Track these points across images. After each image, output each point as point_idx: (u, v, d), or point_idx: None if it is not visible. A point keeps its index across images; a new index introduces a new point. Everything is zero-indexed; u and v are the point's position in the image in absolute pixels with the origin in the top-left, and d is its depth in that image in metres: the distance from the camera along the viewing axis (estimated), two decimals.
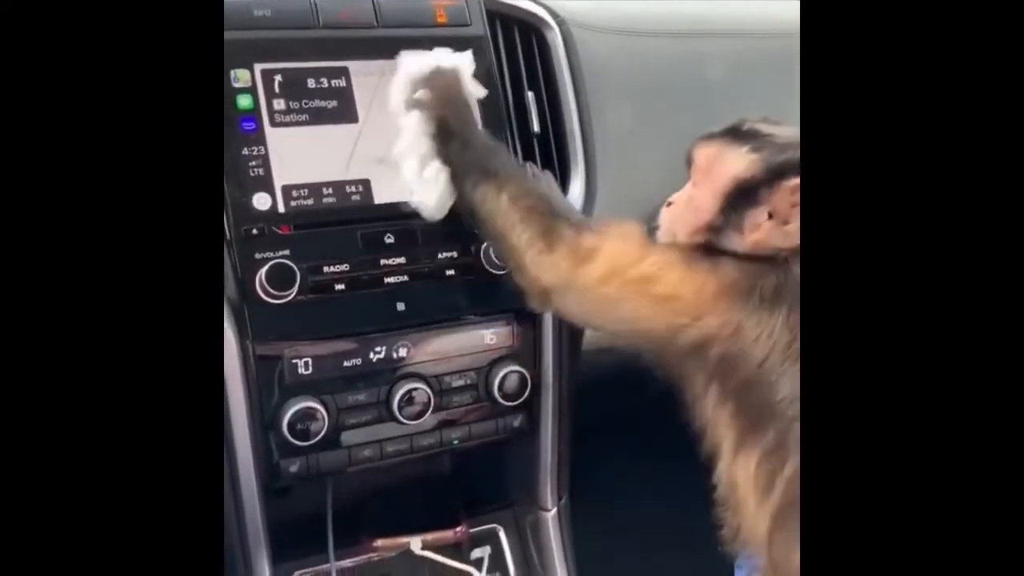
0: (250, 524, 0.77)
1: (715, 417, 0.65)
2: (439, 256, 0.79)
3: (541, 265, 0.68)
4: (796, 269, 0.61)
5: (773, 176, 0.64)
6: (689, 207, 0.68)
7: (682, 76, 1.00)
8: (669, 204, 0.71)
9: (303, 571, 0.84)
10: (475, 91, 0.78)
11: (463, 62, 0.78)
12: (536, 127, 0.89)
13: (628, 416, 0.68)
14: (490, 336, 0.82)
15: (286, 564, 0.83)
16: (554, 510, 0.91)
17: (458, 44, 0.81)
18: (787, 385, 0.59)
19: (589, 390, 0.76)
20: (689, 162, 0.70)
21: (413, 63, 0.76)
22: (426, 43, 0.83)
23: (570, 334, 0.88)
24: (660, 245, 0.68)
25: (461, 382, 0.80)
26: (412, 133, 0.74)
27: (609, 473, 0.68)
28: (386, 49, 0.82)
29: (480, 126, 0.77)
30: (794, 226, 0.62)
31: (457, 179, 0.73)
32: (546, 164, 0.90)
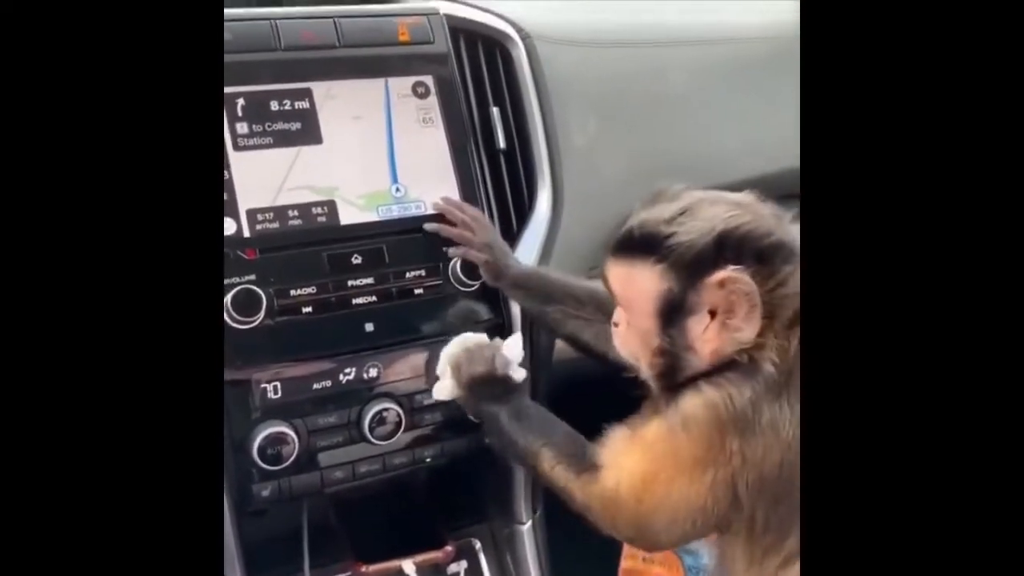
0: (224, 548, 0.77)
1: (732, 541, 0.65)
2: (407, 275, 0.80)
3: (603, 508, 0.67)
4: (765, 366, 0.59)
5: (691, 278, 0.60)
6: (634, 333, 0.65)
7: (646, 86, 1.01)
8: (616, 325, 0.68)
9: None
10: (510, 367, 0.76)
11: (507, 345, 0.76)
12: (502, 143, 0.90)
13: (600, 427, 0.69)
14: None
15: None
16: (529, 523, 0.92)
17: (424, 66, 0.82)
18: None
19: (561, 402, 0.76)
20: (607, 286, 0.67)
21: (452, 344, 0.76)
22: (392, 62, 0.83)
23: (541, 346, 0.89)
24: (645, 423, 0.65)
25: (432, 400, 0.80)
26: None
27: None
28: (349, 69, 0.82)
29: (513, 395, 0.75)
30: (739, 319, 0.59)
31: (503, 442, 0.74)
32: (513, 179, 0.90)
